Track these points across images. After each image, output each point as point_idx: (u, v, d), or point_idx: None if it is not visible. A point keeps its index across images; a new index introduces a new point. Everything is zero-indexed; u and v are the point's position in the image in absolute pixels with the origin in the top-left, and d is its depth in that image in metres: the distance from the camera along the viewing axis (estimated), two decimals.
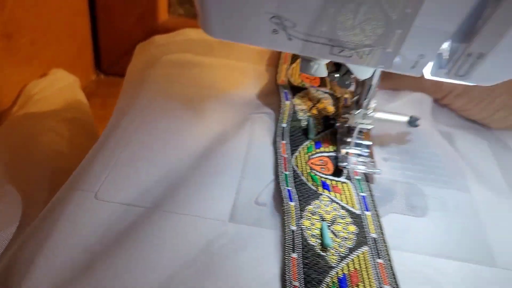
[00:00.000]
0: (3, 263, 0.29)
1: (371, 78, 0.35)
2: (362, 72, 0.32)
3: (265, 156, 0.38)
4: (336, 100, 0.44)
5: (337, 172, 0.37)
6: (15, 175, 0.36)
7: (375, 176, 0.37)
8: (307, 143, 0.39)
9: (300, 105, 0.43)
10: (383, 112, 0.38)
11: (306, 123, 0.41)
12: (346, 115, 0.39)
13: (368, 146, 0.39)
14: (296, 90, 0.45)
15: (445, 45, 0.26)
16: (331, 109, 0.42)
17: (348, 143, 0.38)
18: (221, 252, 0.30)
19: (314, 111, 0.42)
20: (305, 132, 0.40)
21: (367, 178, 0.37)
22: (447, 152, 0.40)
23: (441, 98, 0.43)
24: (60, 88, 0.55)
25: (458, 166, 0.39)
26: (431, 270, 0.31)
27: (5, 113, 0.52)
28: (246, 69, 0.47)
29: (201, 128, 0.39)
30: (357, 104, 0.37)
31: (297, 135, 0.40)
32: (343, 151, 0.38)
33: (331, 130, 0.40)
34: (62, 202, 0.32)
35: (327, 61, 0.31)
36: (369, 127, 0.37)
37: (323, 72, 0.31)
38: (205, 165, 0.36)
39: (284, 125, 0.41)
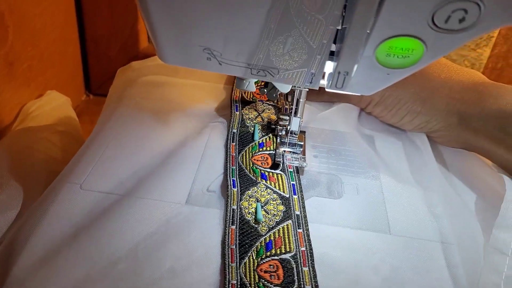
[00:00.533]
0: (4, 244, 0.38)
1: (300, 94, 0.45)
2: (283, 87, 0.41)
3: (218, 155, 0.47)
4: (277, 110, 0.54)
5: (275, 166, 0.47)
6: (16, 177, 0.46)
7: (304, 168, 0.47)
8: (252, 144, 0.49)
9: (248, 114, 0.53)
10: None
11: (252, 128, 0.51)
12: (283, 122, 0.49)
13: (301, 146, 0.48)
14: (245, 103, 0.55)
15: (330, 64, 0.35)
16: (273, 117, 0.52)
17: (285, 144, 0.48)
18: (177, 225, 0.39)
19: (259, 119, 0.52)
20: (252, 136, 0.50)
21: (298, 170, 0.46)
22: (365, 151, 0.49)
23: (365, 107, 0.53)
24: (53, 107, 0.65)
25: (372, 161, 0.48)
26: (340, 237, 0.40)
27: (6, 129, 0.61)
28: (206, 87, 0.57)
29: (167, 133, 0.49)
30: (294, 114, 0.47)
31: (245, 138, 0.50)
32: (281, 149, 0.48)
33: (273, 134, 0.50)
34: (53, 192, 0.41)
35: (255, 79, 0.41)
36: (300, 143, 0.46)
37: (253, 87, 0.41)
38: (169, 161, 0.45)
39: (235, 130, 0.50)
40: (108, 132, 0.49)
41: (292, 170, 0.46)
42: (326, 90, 0.37)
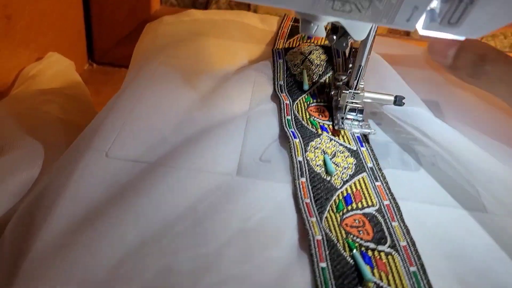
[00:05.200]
0: (22, 212, 0.30)
1: (361, 59, 0.38)
2: (358, 33, 0.34)
3: (267, 114, 0.40)
4: (328, 51, 0.46)
5: (332, 118, 0.41)
6: (25, 138, 0.37)
7: (370, 136, 0.39)
8: (304, 95, 0.43)
9: (292, 60, 0.46)
10: (370, 92, 0.40)
11: (300, 76, 0.44)
12: (337, 91, 0.41)
13: (362, 111, 0.41)
14: (288, 50, 0.48)
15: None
16: (323, 56, 0.45)
17: (342, 109, 0.41)
18: (237, 187, 0.32)
19: (307, 63, 0.45)
20: (301, 85, 0.44)
21: (371, 149, 0.39)
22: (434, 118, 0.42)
23: None
24: (57, 70, 0.56)
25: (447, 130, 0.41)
26: (428, 215, 0.33)
27: (3, 94, 0.53)
28: (244, 47, 0.50)
29: (201, 94, 0.41)
30: (347, 85, 0.40)
31: (294, 90, 0.43)
32: (339, 115, 0.40)
33: (328, 99, 0.43)
34: (75, 159, 0.33)
35: (325, 23, 0.34)
36: (359, 106, 0.40)
37: (322, 33, 0.33)
38: (208, 125, 0.37)
39: (281, 82, 0.44)
40: (133, 93, 0.41)
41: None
42: (421, 33, 0.30)
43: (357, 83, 0.39)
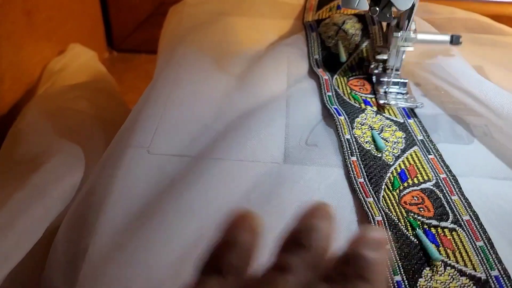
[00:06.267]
0: (72, 216, 0.30)
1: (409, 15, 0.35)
2: (402, 1, 0.32)
3: (306, 91, 0.38)
4: (362, 19, 0.44)
5: (374, 91, 0.39)
6: (62, 141, 0.37)
7: (417, 110, 0.37)
8: (342, 68, 0.41)
9: (326, 32, 0.44)
10: (424, 33, 0.38)
11: (336, 48, 0.42)
12: (381, 56, 0.39)
13: (405, 84, 0.39)
14: (319, 23, 0.46)
15: None
16: (358, 25, 0.43)
17: (385, 83, 0.39)
18: (286, 174, 0.31)
19: (342, 34, 0.43)
20: (337, 58, 0.42)
21: (419, 120, 0.37)
22: (482, 83, 0.39)
23: None
24: (81, 63, 0.55)
25: (497, 97, 0.38)
26: (490, 191, 0.31)
27: (33, 90, 0.52)
28: (272, 24, 0.48)
29: (238, 70, 0.40)
30: (397, 27, 0.37)
31: (331, 63, 0.42)
32: (381, 90, 0.39)
33: (366, 73, 0.41)
34: (117, 158, 0.32)
35: None
36: (411, 49, 0.37)
37: (365, 5, 0.31)
38: (247, 113, 0.36)
39: (316, 56, 0.42)
40: (167, 82, 0.39)
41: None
42: None
43: (408, 23, 0.35)
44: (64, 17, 0.60)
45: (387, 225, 0.28)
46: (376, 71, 0.40)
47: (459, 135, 0.36)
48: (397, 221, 0.28)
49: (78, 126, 0.40)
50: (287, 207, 0.29)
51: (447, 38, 0.37)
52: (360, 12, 0.45)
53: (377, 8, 0.33)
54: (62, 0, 0.59)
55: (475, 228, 0.28)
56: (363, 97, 0.38)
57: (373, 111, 0.37)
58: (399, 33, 0.36)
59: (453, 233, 0.28)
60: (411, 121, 0.36)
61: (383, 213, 0.28)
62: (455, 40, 0.37)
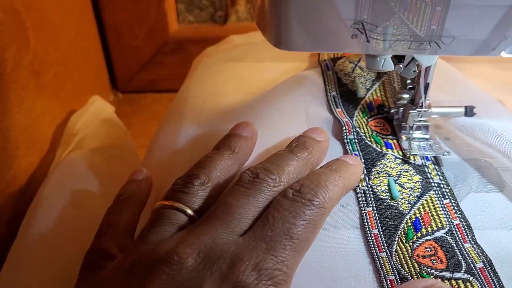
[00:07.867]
0: None
1: (427, 76, 0.35)
2: (427, 58, 0.31)
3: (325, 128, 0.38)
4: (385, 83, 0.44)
5: (394, 131, 0.39)
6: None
7: (442, 157, 0.37)
8: (360, 106, 0.41)
9: (342, 70, 0.44)
10: (438, 107, 0.38)
11: (353, 85, 0.43)
12: (402, 101, 0.39)
13: (427, 127, 0.39)
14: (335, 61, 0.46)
15: None
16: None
17: (405, 128, 0.38)
18: None
19: (358, 70, 0.44)
20: (355, 94, 0.42)
21: (437, 161, 0.37)
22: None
23: None
24: (101, 121, 0.54)
25: None
26: (498, 238, 0.30)
27: (47, 154, 0.51)
28: (291, 67, 0.49)
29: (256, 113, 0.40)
30: (412, 103, 0.38)
31: (349, 100, 0.42)
32: (404, 137, 0.38)
33: (385, 117, 0.41)
34: None
35: (391, 55, 0.31)
36: (427, 123, 0.38)
37: (391, 66, 0.31)
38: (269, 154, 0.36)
39: (334, 93, 0.42)
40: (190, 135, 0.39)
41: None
42: (505, 56, 0.27)
43: (423, 100, 0.37)
44: (70, 70, 0.59)
45: (399, 283, 0.28)
46: (396, 116, 0.40)
47: (490, 182, 0.35)
48: (410, 278, 0.28)
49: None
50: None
51: (461, 110, 0.38)
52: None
53: (402, 65, 0.33)
54: (66, 54, 0.59)
55: (488, 276, 0.28)
56: (384, 139, 0.38)
57: (393, 155, 0.37)
58: (415, 111, 0.37)
59: (467, 283, 0.27)
60: (429, 163, 0.36)
61: (395, 271, 0.28)
62: (469, 112, 0.38)
